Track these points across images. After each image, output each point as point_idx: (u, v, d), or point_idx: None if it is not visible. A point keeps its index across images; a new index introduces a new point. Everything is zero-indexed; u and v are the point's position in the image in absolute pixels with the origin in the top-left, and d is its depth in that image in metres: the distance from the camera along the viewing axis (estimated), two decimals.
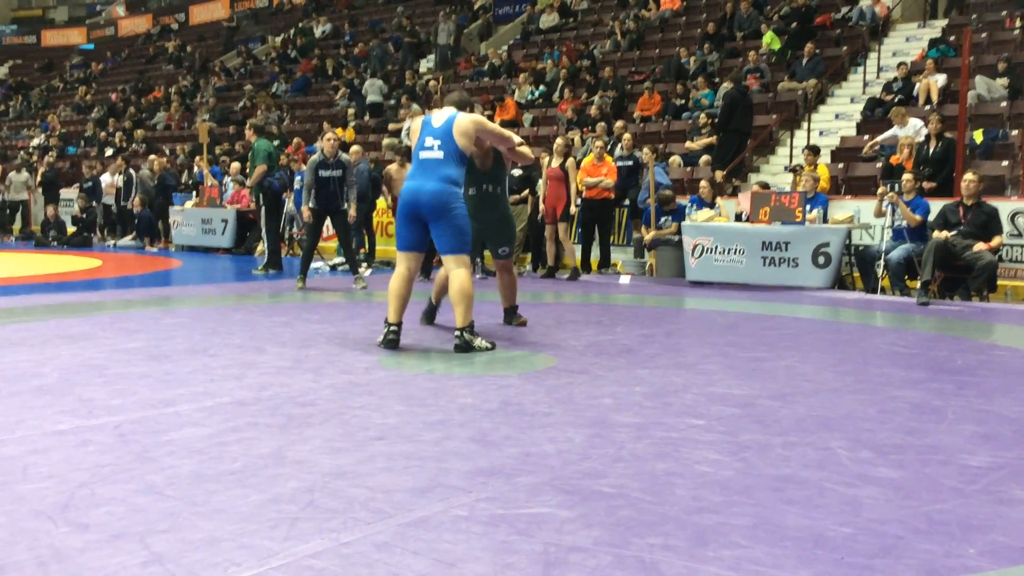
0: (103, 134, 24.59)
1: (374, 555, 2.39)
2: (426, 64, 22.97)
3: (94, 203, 17.87)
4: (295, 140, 17.37)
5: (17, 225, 19.90)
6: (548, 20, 21.75)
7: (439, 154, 5.63)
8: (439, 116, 5.78)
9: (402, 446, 3.42)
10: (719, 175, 12.12)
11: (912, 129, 11.55)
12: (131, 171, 17.22)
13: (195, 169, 17.15)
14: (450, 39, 22.13)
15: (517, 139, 6.25)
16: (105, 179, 17.70)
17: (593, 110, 14.96)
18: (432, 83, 19.98)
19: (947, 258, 8.61)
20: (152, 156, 17.54)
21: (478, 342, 5.56)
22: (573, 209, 10.79)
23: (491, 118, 17.36)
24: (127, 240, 16.72)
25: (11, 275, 11.28)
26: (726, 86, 14.84)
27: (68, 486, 2.92)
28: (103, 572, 2.27)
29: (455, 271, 5.63)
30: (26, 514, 2.67)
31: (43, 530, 2.54)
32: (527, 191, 11.37)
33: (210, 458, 3.23)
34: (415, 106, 17.53)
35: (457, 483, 2.99)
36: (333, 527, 2.58)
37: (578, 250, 11.74)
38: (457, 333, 5.58)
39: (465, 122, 5.71)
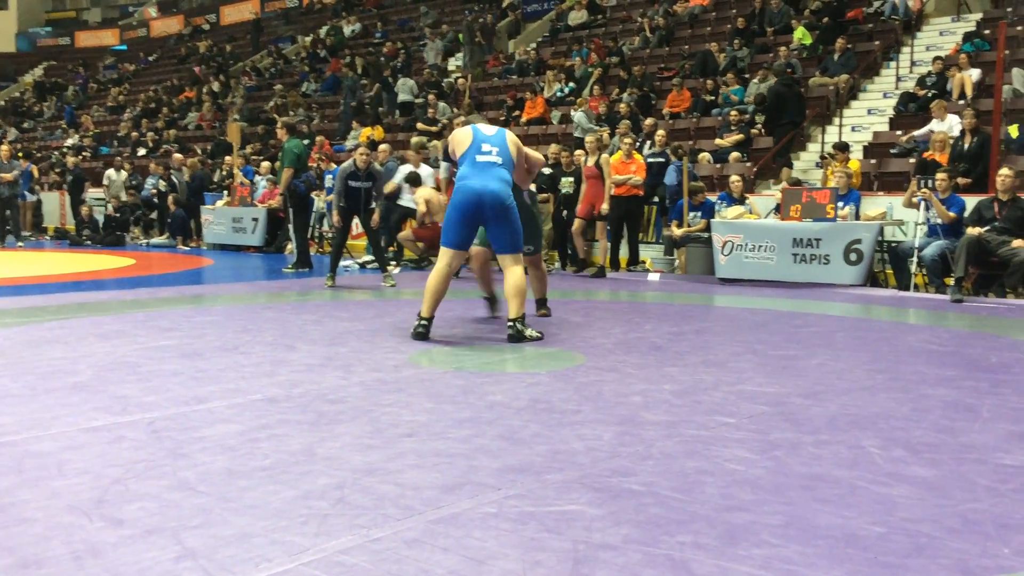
0: (135, 134, 24.86)
1: (404, 551, 2.40)
2: (454, 63, 23.00)
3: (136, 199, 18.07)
4: (318, 139, 17.43)
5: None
6: (577, 17, 21.71)
7: (497, 159, 6.01)
8: (487, 127, 6.25)
9: (432, 443, 3.43)
10: (786, 173, 12.01)
11: (947, 125, 11.41)
12: (172, 172, 17.36)
13: (225, 169, 17.30)
14: (438, 58, 22.06)
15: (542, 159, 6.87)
16: (111, 175, 18.10)
17: (622, 107, 14.91)
18: (461, 81, 20.01)
19: (981, 254, 8.50)
20: (179, 155, 17.70)
21: (529, 332, 5.92)
22: (605, 207, 10.76)
23: (519, 117, 17.42)
24: (160, 239, 16.90)
25: (46, 273, 11.44)
26: (757, 83, 14.75)
27: (102, 482, 2.96)
28: (137, 567, 2.30)
29: (512, 268, 5.98)
30: (61, 509, 2.71)
31: (78, 525, 2.58)
32: (549, 191, 11.40)
33: (242, 455, 3.26)
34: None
35: (486, 480, 2.99)
36: (363, 523, 2.60)
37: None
38: (510, 324, 5.90)
39: (514, 137, 6.26)
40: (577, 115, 15.18)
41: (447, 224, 6.01)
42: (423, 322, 5.89)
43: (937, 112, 11.74)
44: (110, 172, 18.89)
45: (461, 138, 6.17)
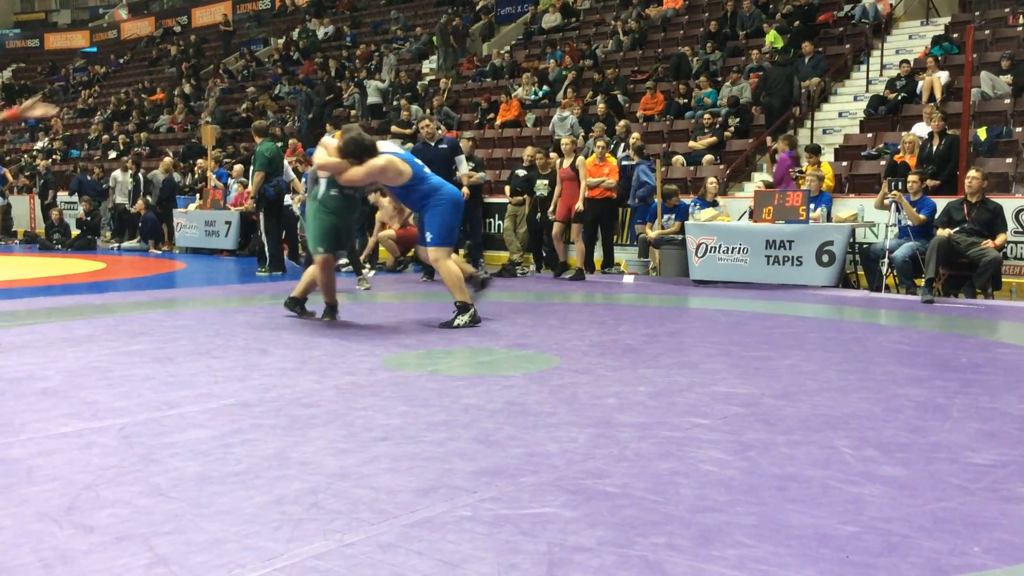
0: (106, 137, 24.61)
1: (378, 556, 2.39)
2: (428, 65, 22.97)
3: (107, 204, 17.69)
4: (291, 141, 17.30)
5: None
6: (550, 20, 21.73)
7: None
8: (397, 148, 6.88)
9: (406, 447, 3.42)
10: (782, 145, 12.08)
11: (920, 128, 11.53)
12: (154, 173, 17.10)
13: (197, 172, 17.12)
14: (391, 73, 21.95)
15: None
16: (117, 176, 17.59)
17: (600, 108, 14.94)
18: (444, 82, 19.94)
19: (951, 255, 8.59)
20: (168, 159, 17.47)
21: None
22: (580, 205, 10.79)
23: (493, 120, 17.44)
24: (131, 243, 16.74)
25: (16, 278, 11.30)
26: (730, 86, 14.83)
27: (73, 488, 2.92)
28: (108, 574, 2.27)
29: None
30: (31, 516, 2.67)
31: (48, 532, 2.55)
32: (524, 193, 11.40)
33: (214, 460, 3.24)
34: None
35: (461, 483, 2.99)
36: (337, 528, 2.58)
37: None
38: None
39: None
40: (572, 118, 15.09)
41: (450, 226, 6.63)
42: (474, 307, 6.58)
43: (926, 117, 11.81)
44: (116, 173, 18.21)
45: (400, 168, 6.53)
